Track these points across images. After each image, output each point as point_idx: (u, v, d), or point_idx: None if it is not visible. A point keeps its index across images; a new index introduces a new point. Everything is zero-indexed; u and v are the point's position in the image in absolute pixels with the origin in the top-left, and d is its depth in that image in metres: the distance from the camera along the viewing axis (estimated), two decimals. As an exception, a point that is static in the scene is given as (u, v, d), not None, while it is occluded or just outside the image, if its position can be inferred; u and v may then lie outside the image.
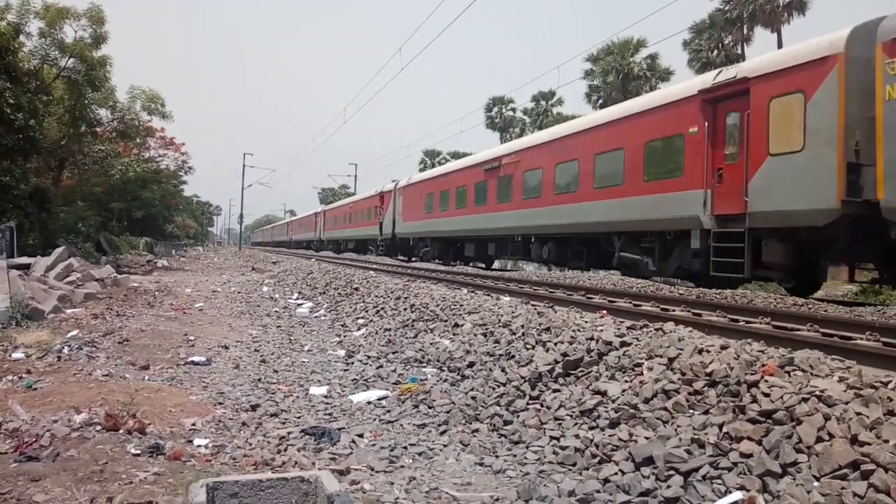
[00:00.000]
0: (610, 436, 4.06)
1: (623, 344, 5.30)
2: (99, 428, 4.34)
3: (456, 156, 55.50)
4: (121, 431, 4.31)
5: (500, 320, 7.36)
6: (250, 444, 4.36)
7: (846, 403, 3.41)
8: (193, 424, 4.72)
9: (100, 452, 3.90)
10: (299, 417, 5.17)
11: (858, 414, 3.28)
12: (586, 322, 6.45)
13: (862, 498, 2.86)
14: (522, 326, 6.72)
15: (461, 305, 8.92)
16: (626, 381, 4.69)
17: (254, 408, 5.36)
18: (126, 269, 22.18)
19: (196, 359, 7.32)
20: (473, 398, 5.43)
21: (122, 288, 15.49)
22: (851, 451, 3.06)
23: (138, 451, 3.96)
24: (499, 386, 5.52)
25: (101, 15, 23.81)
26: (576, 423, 4.45)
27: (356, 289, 13.46)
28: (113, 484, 3.45)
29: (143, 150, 41.27)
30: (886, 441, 3.03)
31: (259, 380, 6.48)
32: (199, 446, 4.21)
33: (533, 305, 8.90)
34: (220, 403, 5.50)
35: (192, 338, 8.85)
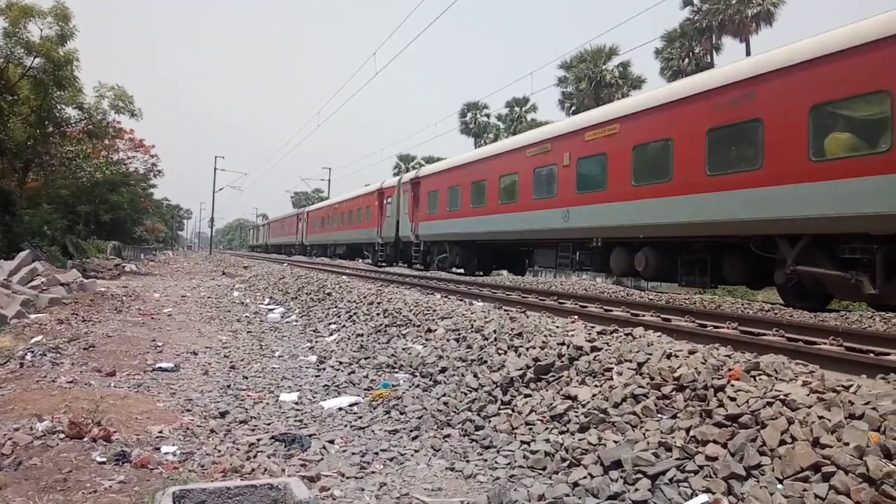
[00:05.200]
0: (580, 440, 4.10)
1: (594, 349, 5.36)
2: (63, 436, 4.25)
3: (430, 160, 55.28)
4: (85, 439, 4.22)
5: (472, 325, 7.38)
6: (219, 452, 4.30)
7: (809, 407, 3.49)
8: (161, 432, 4.64)
9: (63, 461, 3.82)
10: (269, 424, 5.12)
11: (821, 417, 3.36)
12: (558, 327, 6.51)
13: (823, 499, 2.93)
14: (495, 332, 6.75)
15: (434, 311, 8.92)
16: (597, 386, 4.75)
17: (223, 414, 5.30)
18: (93, 274, 21.72)
19: (164, 365, 7.21)
20: (445, 404, 5.44)
21: (88, 293, 15.16)
22: (813, 454, 3.13)
23: (103, 460, 3.88)
24: (471, 391, 5.54)
25: (66, 12, 23.36)
26: (546, 428, 4.48)
27: (329, 294, 13.37)
28: (77, 493, 3.38)
29: (112, 152, 40.50)
30: (847, 444, 3.11)
31: (228, 386, 6.41)
32: (166, 454, 4.14)
33: (505, 311, 8.93)
34: (189, 410, 5.42)
35: (160, 344, 8.70)
